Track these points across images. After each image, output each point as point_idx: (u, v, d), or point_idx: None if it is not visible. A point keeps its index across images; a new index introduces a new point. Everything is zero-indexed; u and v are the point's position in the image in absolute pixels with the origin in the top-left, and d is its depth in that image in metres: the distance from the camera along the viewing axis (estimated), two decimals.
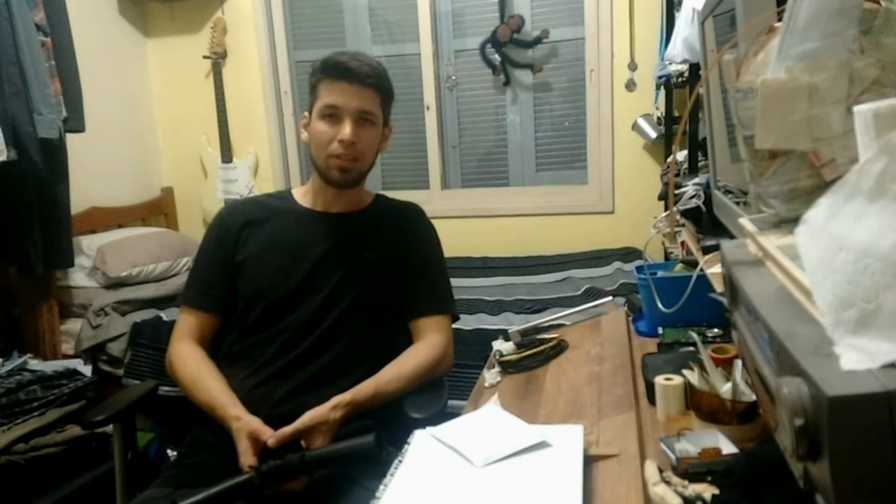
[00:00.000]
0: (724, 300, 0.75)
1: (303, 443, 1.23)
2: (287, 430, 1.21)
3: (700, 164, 2.08)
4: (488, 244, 3.37)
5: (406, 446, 1.04)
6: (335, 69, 1.35)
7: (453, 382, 1.48)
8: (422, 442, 1.05)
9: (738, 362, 1.05)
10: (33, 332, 2.67)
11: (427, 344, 1.41)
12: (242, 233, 1.43)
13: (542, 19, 3.31)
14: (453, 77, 3.47)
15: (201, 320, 1.41)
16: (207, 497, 1.10)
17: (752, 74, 0.66)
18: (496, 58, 3.34)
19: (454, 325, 1.51)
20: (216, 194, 3.60)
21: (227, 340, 1.41)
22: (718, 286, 0.99)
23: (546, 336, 1.57)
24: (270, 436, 1.20)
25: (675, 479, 0.85)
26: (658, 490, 0.82)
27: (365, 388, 1.30)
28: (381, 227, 1.47)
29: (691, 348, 1.28)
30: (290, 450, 1.19)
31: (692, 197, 1.49)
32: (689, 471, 0.86)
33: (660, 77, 2.76)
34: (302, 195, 1.49)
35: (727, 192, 1.10)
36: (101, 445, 1.95)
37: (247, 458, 1.19)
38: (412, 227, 1.50)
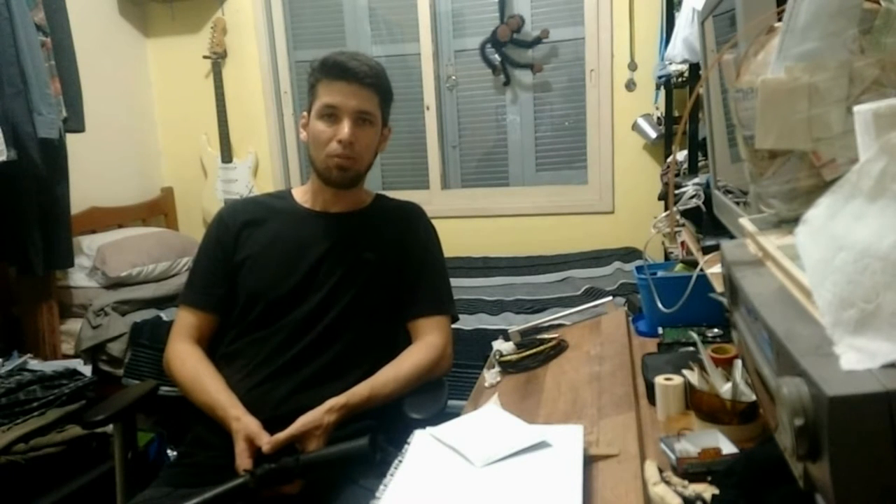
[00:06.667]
0: (724, 300, 0.75)
1: (298, 446, 1.23)
2: (281, 435, 1.21)
3: (700, 164, 2.08)
4: (488, 244, 3.37)
5: (406, 446, 1.04)
6: (334, 69, 1.35)
7: (453, 382, 1.48)
8: (422, 442, 1.05)
9: (738, 362, 1.04)
10: (33, 332, 2.67)
11: (425, 345, 1.41)
12: (242, 232, 1.43)
13: (542, 19, 3.31)
14: (453, 77, 3.47)
15: (200, 320, 1.41)
16: (202, 501, 1.10)
17: (752, 74, 0.66)
18: (496, 58, 3.34)
19: (454, 326, 1.51)
20: (216, 194, 3.60)
21: (224, 340, 1.41)
22: (718, 286, 0.99)
23: (546, 336, 1.57)
24: (266, 442, 1.20)
25: (675, 479, 0.85)
26: (658, 490, 0.82)
27: (360, 391, 1.29)
28: (381, 227, 1.47)
29: (691, 348, 1.28)
30: (286, 452, 1.19)
31: (692, 197, 1.49)
32: (689, 471, 0.86)
33: (660, 77, 2.76)
34: (302, 195, 1.49)
35: (727, 192, 1.10)
36: (101, 445, 1.95)
37: (242, 460, 1.19)
38: (412, 227, 1.50)
